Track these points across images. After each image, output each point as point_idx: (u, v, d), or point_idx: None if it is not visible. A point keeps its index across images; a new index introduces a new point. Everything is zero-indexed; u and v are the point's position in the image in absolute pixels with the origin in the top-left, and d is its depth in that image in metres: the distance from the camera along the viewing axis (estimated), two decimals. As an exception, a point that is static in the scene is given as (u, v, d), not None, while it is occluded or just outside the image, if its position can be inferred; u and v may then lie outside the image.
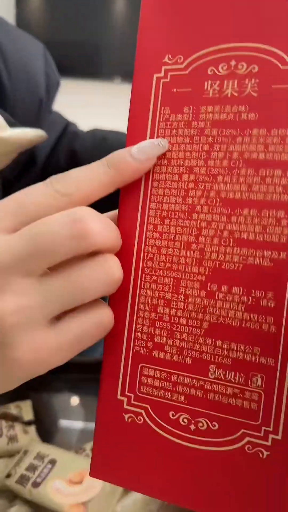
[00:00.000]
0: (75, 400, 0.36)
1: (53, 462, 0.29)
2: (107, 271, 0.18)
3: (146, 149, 0.18)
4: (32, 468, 0.28)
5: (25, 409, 0.35)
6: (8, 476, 0.28)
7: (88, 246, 0.17)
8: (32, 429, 0.33)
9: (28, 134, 0.37)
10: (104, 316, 0.19)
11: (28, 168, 0.50)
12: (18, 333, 0.16)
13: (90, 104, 1.63)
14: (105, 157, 0.19)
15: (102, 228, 0.17)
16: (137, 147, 0.18)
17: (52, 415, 0.37)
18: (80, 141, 0.52)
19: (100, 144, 0.52)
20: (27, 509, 0.26)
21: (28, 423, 0.34)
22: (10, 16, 1.70)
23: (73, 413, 0.36)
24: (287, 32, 0.17)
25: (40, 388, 0.35)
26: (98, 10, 1.69)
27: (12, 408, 0.34)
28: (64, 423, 0.35)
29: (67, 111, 0.59)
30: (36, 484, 0.27)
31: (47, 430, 0.34)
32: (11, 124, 0.36)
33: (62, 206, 0.18)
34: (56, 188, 0.18)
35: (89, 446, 0.31)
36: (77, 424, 0.35)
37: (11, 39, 0.43)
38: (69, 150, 0.52)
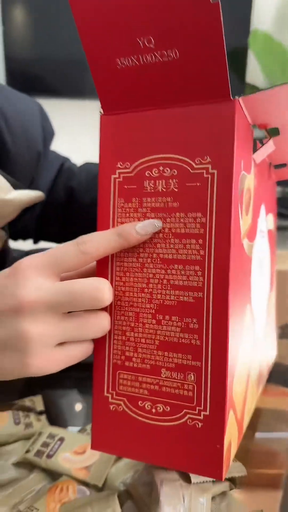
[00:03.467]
0: (75, 394, 0.47)
1: (61, 439, 0.38)
2: (103, 325, 0.27)
3: (147, 228, 0.27)
4: (45, 444, 0.38)
5: (37, 402, 0.44)
6: (27, 451, 0.37)
7: (99, 306, 0.27)
8: (43, 417, 0.43)
9: (30, 195, 0.46)
10: (89, 348, 0.28)
11: (31, 205, 0.59)
12: (36, 348, 0.26)
13: (78, 124, 1.69)
14: (116, 229, 0.27)
15: (111, 296, 0.27)
16: (141, 226, 0.27)
17: (57, 405, 0.47)
18: (75, 178, 0.61)
19: (93, 180, 0.61)
20: (43, 475, 0.36)
21: (40, 412, 0.43)
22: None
23: (75, 403, 0.46)
24: (194, 147, 0.26)
25: (47, 386, 0.45)
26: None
27: (27, 401, 0.44)
28: (67, 411, 0.45)
29: (56, 132, 0.62)
30: (49, 456, 0.37)
31: (55, 417, 0.44)
32: (15, 186, 0.45)
33: (83, 261, 0.27)
34: (81, 249, 0.27)
35: (88, 427, 0.41)
36: (78, 411, 0.45)
37: (11, 103, 0.51)
38: (66, 186, 0.60)
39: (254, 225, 0.34)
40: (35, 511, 0.32)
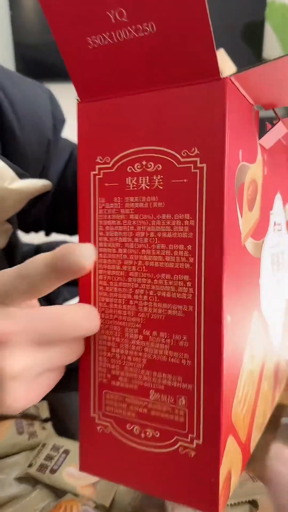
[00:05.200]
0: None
1: (67, 452, 0.36)
2: (82, 347, 0.25)
3: None
4: (49, 458, 0.36)
5: (42, 408, 0.42)
6: (30, 465, 0.36)
7: (86, 335, 0.25)
8: (48, 425, 0.41)
9: (36, 185, 0.43)
10: (63, 370, 0.26)
11: (42, 195, 0.57)
12: (13, 386, 0.23)
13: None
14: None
15: (99, 323, 0.25)
16: None
17: (64, 410, 0.44)
18: None
19: None
20: (47, 492, 0.34)
21: (45, 420, 0.42)
22: (5, 19, 1.71)
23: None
24: (179, 137, 0.22)
25: (53, 389, 0.43)
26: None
27: (31, 409, 0.42)
28: (75, 417, 0.43)
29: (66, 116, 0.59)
30: (53, 471, 0.35)
31: (61, 425, 0.42)
32: (21, 176, 0.43)
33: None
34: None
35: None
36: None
37: (20, 89, 0.48)
38: (75, 173, 0.58)
39: (265, 220, 0.30)
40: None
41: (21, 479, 0.36)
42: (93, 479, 0.34)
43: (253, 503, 0.32)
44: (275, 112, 0.28)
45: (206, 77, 0.21)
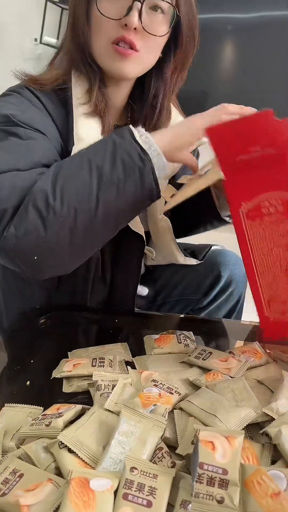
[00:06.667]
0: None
1: (211, 352, 0.67)
2: None
3: None
4: (200, 354, 0.66)
5: (190, 335, 0.72)
6: (189, 355, 0.66)
7: None
8: (195, 342, 0.71)
9: None
10: None
11: None
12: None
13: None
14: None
15: None
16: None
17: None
18: None
19: None
20: (199, 369, 0.65)
21: (192, 340, 0.72)
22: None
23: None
24: (285, 184, 0.47)
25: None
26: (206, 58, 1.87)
27: (185, 332, 0.72)
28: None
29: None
30: (204, 359, 0.66)
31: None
32: None
33: None
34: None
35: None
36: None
37: None
38: None
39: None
40: (198, 381, 0.60)
41: (183, 363, 0.65)
42: (229, 366, 0.64)
43: None
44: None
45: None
